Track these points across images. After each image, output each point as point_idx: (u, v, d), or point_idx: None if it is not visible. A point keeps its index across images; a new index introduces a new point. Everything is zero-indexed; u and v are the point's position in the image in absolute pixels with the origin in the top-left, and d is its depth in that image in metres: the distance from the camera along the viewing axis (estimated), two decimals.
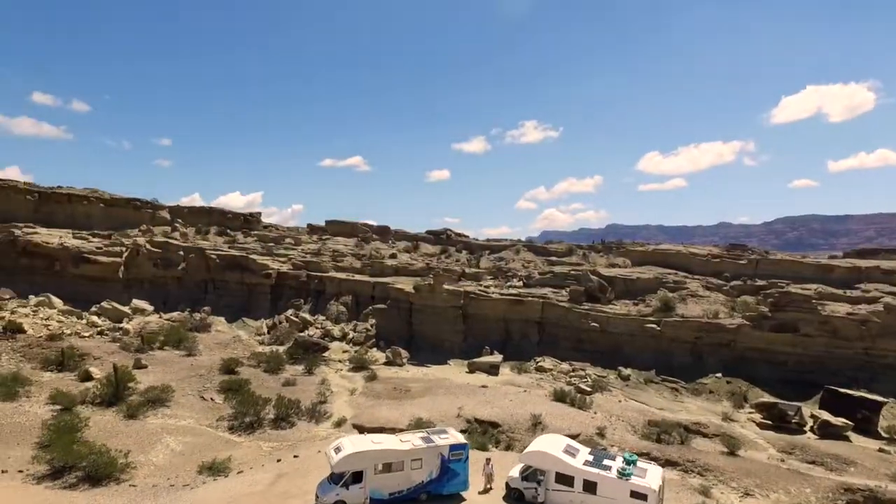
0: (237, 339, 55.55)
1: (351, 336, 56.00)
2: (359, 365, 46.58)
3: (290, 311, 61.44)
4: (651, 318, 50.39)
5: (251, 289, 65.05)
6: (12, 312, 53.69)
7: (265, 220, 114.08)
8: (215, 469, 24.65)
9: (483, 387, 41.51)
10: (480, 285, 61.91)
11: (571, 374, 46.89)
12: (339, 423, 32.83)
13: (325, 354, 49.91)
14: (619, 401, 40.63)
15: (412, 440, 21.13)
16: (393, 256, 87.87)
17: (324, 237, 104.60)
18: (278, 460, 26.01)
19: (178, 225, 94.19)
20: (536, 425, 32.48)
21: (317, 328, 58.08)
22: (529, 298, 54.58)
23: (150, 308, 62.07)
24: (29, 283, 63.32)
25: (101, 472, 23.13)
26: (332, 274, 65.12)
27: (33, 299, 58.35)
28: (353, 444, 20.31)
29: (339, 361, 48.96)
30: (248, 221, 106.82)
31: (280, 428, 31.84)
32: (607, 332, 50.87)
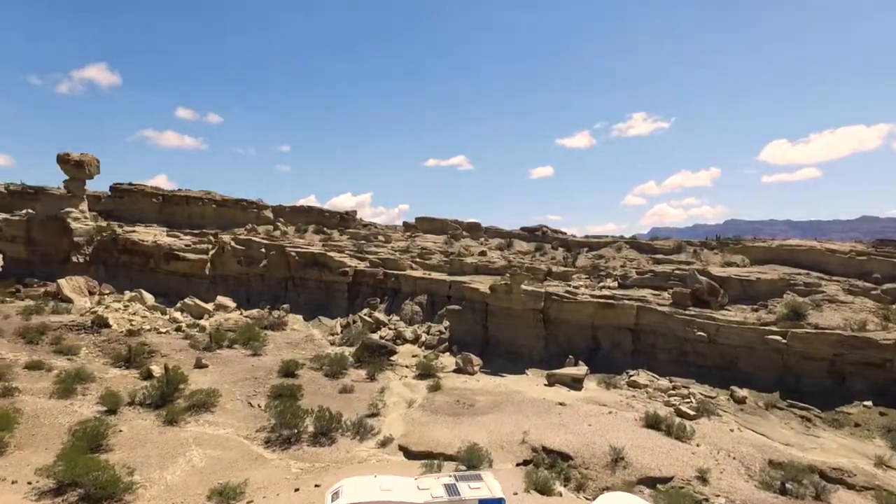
0: (309, 338, 53.82)
1: (423, 339, 52.21)
2: (425, 372, 42.50)
3: (364, 311, 58.98)
4: (775, 329, 41.42)
5: (329, 287, 63.52)
6: (106, 307, 56.12)
7: (374, 219, 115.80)
8: (226, 495, 21.54)
9: (560, 404, 35.65)
10: (569, 285, 55.51)
11: (671, 392, 39.51)
12: (384, 443, 28.80)
13: (393, 358, 46.48)
14: (731, 430, 32.98)
15: (432, 489, 16.45)
16: (482, 254, 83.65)
17: (414, 234, 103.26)
18: (296, 489, 22.41)
19: (279, 224, 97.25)
20: (617, 461, 26.31)
21: (390, 329, 54.97)
22: (623, 301, 47.47)
23: (232, 305, 62.52)
24: (129, 278, 66.63)
25: (101, 492, 20.79)
26: (409, 272, 61.81)
27: (127, 294, 60.89)
28: (357, 489, 16.04)
29: (406, 367, 45.24)
30: (344, 219, 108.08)
31: (318, 444, 28.42)
32: (717, 343, 42.60)
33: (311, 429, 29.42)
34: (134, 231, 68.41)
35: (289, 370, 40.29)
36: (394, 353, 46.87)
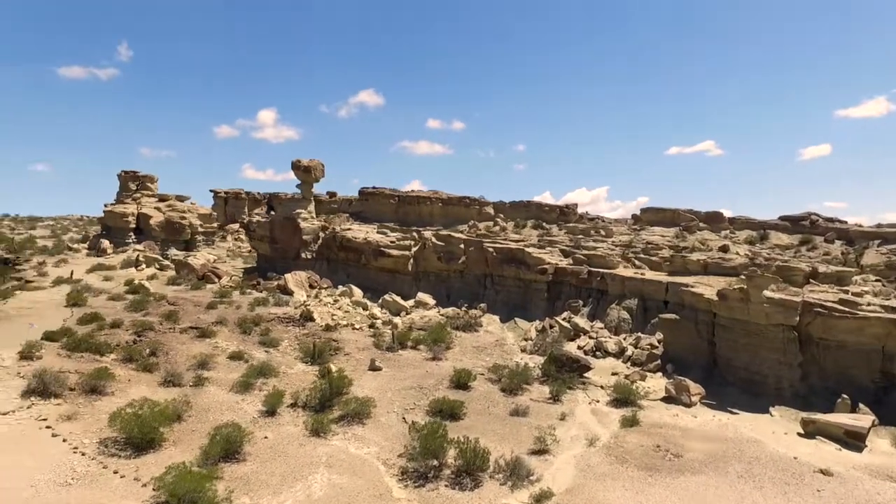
0: (500, 342, 48.85)
1: (630, 353, 42.84)
2: (622, 397, 33.72)
3: (564, 315, 51.73)
4: None
5: (527, 285, 57.84)
6: (319, 301, 59.58)
7: (611, 213, 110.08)
8: None
9: (822, 473, 23.87)
10: (845, 292, 40.06)
11: None
12: (540, 499, 21.74)
13: (587, 375, 38.58)
14: None
15: None
16: (723, 249, 69.48)
17: (641, 227, 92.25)
18: None
19: (498, 220, 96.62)
20: None
21: (590, 338, 46.81)
22: None
23: (431, 302, 61.23)
24: (345, 273, 70.88)
25: None
26: (617, 271, 52.41)
27: (339, 289, 64.20)
28: None
29: (602, 387, 36.87)
30: (564, 213, 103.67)
31: (459, 486, 22.86)
32: None
33: (454, 462, 24.07)
34: (349, 229, 72.49)
35: (461, 381, 35.72)
36: (588, 368, 38.84)
